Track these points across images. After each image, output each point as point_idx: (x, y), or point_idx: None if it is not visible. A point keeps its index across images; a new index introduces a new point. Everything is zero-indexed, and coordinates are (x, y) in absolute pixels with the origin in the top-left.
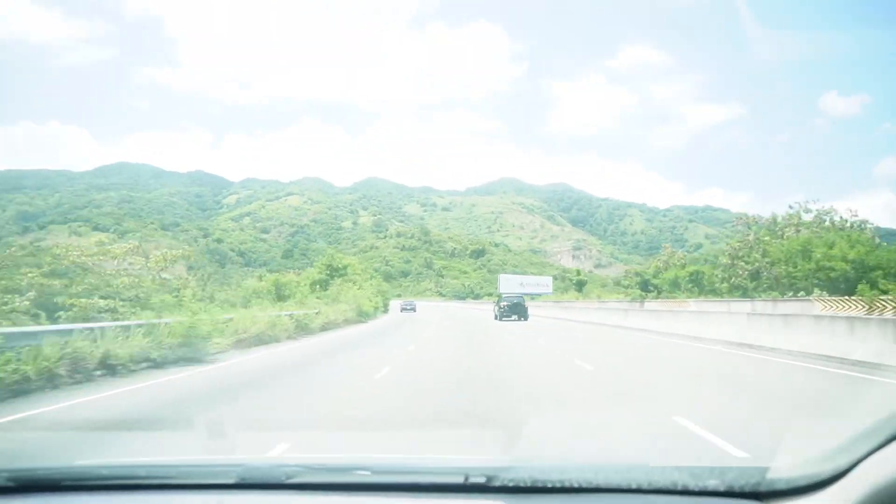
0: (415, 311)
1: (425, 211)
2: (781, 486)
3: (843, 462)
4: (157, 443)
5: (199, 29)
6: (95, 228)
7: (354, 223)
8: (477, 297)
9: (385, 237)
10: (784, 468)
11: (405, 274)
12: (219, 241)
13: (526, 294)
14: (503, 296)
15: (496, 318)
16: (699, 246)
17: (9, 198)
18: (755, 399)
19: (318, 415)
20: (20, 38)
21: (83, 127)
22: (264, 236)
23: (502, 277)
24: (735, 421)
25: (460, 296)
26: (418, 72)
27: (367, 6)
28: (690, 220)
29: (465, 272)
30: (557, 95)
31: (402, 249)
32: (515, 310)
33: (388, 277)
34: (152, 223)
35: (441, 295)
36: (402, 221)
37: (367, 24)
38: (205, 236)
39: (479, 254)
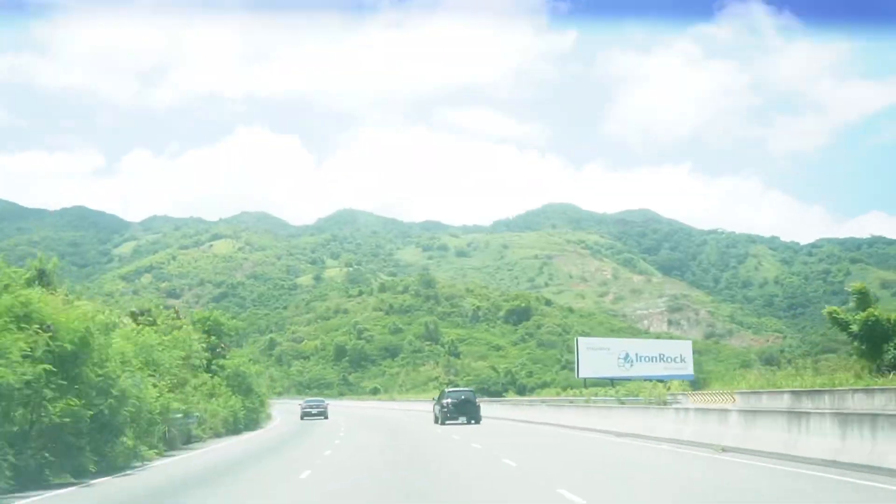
0: (326, 417)
1: (430, 258)
2: None
3: None
4: None
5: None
6: None
7: (317, 278)
8: (522, 389)
9: (362, 294)
10: None
11: (393, 352)
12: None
13: (641, 377)
14: (446, 391)
15: (436, 421)
16: (877, 299)
17: None
18: None
19: None
20: None
21: None
22: (173, 302)
23: (584, 344)
24: None
25: (491, 388)
26: (413, 52)
27: None
28: (854, 261)
29: (499, 347)
30: (625, 78)
31: (387, 312)
32: (463, 409)
33: (360, 360)
34: None
35: (455, 387)
36: (393, 274)
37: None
38: None
39: (521, 316)
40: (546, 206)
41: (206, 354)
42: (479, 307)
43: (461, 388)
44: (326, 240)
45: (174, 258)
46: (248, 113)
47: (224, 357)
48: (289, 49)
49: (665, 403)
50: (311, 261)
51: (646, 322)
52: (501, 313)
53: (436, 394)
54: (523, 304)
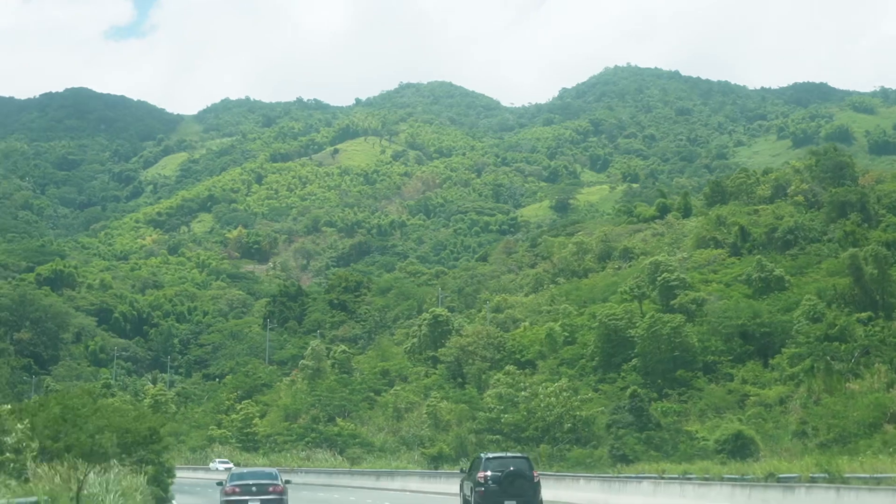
0: None
1: None
2: None
3: None
4: None
5: None
6: None
7: (560, 206)
8: None
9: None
10: None
11: (764, 341)
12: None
13: None
14: (483, 458)
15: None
16: None
17: None
18: None
19: None
20: None
21: None
22: (259, 268)
23: None
24: None
25: None
26: None
27: None
28: None
29: None
30: None
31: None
32: (512, 488)
33: (664, 367)
34: None
35: (497, 454)
36: None
37: None
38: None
39: None
40: None
41: None
42: None
43: (507, 455)
44: (578, 130)
45: (259, 179)
46: None
47: None
48: None
49: None
50: (547, 172)
51: None
52: None
53: None
54: None
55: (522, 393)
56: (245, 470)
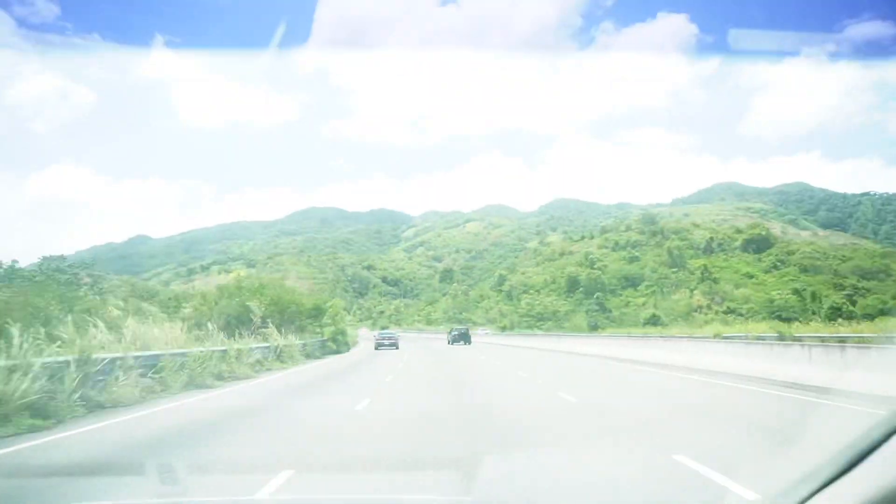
0: (396, 347)
1: None
2: None
3: (795, 498)
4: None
5: (368, 83)
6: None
7: (541, 242)
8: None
9: (584, 238)
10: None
11: (633, 282)
12: (369, 267)
13: None
14: (453, 328)
15: (448, 343)
16: None
17: (209, 248)
18: None
19: None
20: (240, 121)
21: (285, 185)
22: (436, 264)
23: None
24: None
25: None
26: (592, 87)
27: (529, 31)
28: None
29: (751, 275)
30: (761, 86)
31: (613, 248)
32: (462, 337)
33: (595, 290)
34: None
35: (458, 324)
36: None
37: (532, 49)
38: (367, 268)
39: (761, 245)
40: (715, 185)
41: None
42: (711, 238)
43: (461, 326)
44: (547, 219)
45: (439, 236)
46: (485, 144)
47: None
48: (507, 97)
49: None
50: (536, 233)
51: None
52: (737, 244)
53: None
54: (762, 233)
55: (538, 305)
56: (385, 331)
